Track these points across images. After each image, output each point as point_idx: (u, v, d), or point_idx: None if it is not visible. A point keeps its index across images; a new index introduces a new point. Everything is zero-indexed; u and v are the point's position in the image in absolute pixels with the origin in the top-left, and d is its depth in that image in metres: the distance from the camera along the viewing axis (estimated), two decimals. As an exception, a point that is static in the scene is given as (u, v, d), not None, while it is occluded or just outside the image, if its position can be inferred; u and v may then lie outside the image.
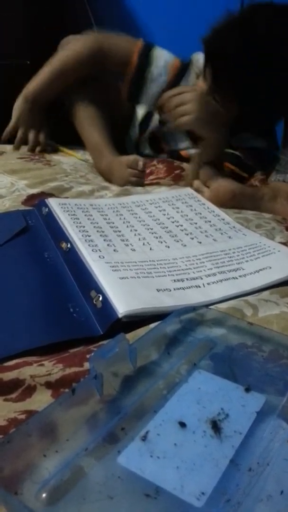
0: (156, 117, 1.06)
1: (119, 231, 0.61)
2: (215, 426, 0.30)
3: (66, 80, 1.03)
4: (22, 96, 1.04)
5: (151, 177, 0.95)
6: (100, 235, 0.59)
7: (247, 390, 0.34)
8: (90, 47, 0.99)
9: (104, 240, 0.58)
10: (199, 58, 0.99)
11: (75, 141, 1.06)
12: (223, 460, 0.28)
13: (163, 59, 0.98)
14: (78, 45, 1.01)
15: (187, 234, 0.63)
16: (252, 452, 0.28)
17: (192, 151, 1.00)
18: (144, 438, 0.29)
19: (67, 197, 0.75)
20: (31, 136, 1.05)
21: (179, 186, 0.88)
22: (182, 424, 0.30)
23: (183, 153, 1.02)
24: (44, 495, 0.25)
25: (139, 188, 0.85)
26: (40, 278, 0.53)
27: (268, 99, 0.82)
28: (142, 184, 0.89)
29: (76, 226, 0.61)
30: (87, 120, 1.00)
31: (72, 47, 1.02)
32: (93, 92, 1.02)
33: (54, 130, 1.12)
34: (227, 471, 0.27)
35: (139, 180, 0.89)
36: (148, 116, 1.10)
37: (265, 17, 0.80)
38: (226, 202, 0.77)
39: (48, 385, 0.36)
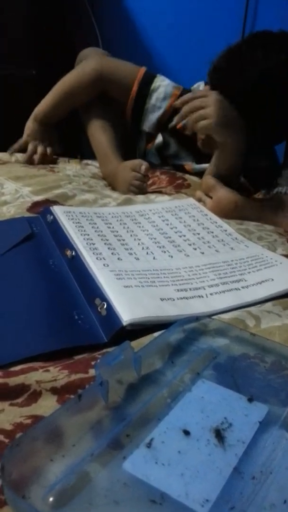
0: (160, 136, 1.08)
1: (123, 240, 0.62)
2: (219, 435, 0.31)
3: (73, 102, 1.08)
4: (32, 116, 1.11)
5: (153, 186, 0.96)
6: (105, 244, 0.60)
7: (250, 400, 0.34)
8: (91, 74, 1.02)
9: (109, 248, 0.59)
10: (200, 87, 1.02)
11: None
12: (226, 468, 0.28)
13: (163, 91, 1.00)
14: (83, 69, 1.04)
15: (190, 245, 0.63)
16: (255, 461, 0.29)
17: (196, 165, 1.01)
18: (149, 445, 0.30)
19: (71, 205, 0.76)
20: (39, 149, 1.08)
21: (180, 194, 0.89)
22: (186, 432, 0.31)
23: (187, 167, 1.04)
24: (51, 499, 0.25)
25: (141, 196, 0.85)
26: (45, 285, 0.54)
27: (277, 125, 0.84)
28: (144, 190, 0.90)
29: (81, 234, 0.61)
30: (98, 129, 1.02)
31: (78, 70, 1.06)
32: (103, 104, 1.05)
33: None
34: (231, 479, 0.27)
35: (141, 184, 0.90)
36: None
37: (263, 46, 0.83)
38: (228, 213, 0.77)
39: (54, 390, 0.36)
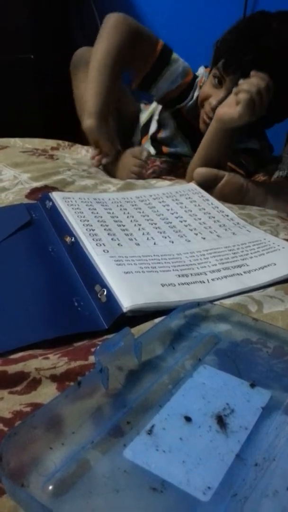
0: (155, 122, 1.06)
1: (123, 226, 0.61)
2: (221, 421, 0.30)
3: (118, 75, 0.94)
4: (88, 119, 0.90)
5: (153, 174, 0.96)
6: (104, 229, 0.59)
7: (252, 385, 0.34)
8: (128, 30, 0.92)
9: (108, 234, 0.58)
10: (200, 71, 1.02)
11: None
12: (229, 455, 0.28)
13: (181, 65, 0.99)
14: (113, 35, 0.91)
15: (191, 230, 0.63)
16: (258, 448, 0.28)
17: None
18: (149, 432, 0.29)
19: (70, 191, 0.75)
20: (105, 147, 0.94)
21: (180, 180, 0.88)
22: (188, 419, 0.31)
23: (184, 160, 1.03)
24: (50, 487, 0.25)
25: (141, 181, 0.84)
26: (44, 272, 0.53)
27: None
28: (143, 176, 0.89)
29: (80, 220, 0.60)
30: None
31: (106, 41, 0.92)
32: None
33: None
34: (233, 466, 0.27)
35: (141, 170, 0.89)
36: (149, 120, 1.11)
37: (273, 19, 0.83)
38: (233, 197, 0.77)
39: (53, 378, 0.36)
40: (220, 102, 0.85)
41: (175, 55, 0.99)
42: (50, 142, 1.11)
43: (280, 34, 0.81)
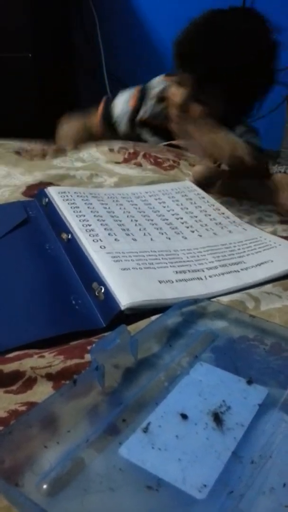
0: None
1: (120, 221, 0.61)
2: (217, 418, 0.30)
3: None
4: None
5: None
6: (101, 224, 0.59)
7: (249, 382, 0.34)
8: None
9: (105, 229, 0.57)
10: (153, 83, 1.07)
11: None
12: (225, 452, 0.28)
13: (123, 100, 1.08)
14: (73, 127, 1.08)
15: (188, 227, 0.62)
16: (255, 445, 0.28)
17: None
18: (145, 430, 0.29)
19: (66, 186, 0.74)
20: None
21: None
22: (184, 416, 0.30)
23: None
24: (45, 486, 0.25)
25: (138, 179, 0.83)
26: (41, 270, 0.53)
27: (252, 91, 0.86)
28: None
29: (76, 216, 0.60)
30: None
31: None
32: None
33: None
34: (229, 463, 0.27)
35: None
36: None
37: (229, 17, 0.87)
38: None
39: (49, 377, 0.35)
40: (183, 99, 0.86)
41: (115, 101, 1.08)
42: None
43: (231, 39, 0.83)
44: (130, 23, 1.75)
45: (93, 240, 0.54)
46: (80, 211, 0.61)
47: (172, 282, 0.48)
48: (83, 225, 0.58)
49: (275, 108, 1.82)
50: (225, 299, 0.46)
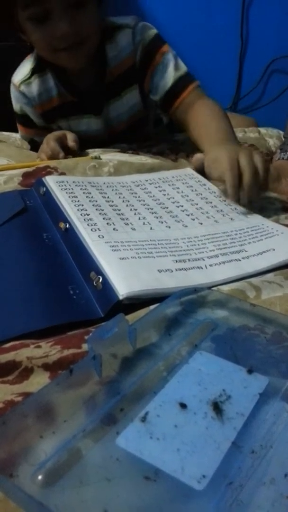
0: None
1: (119, 210, 0.60)
2: (217, 408, 0.30)
3: None
4: None
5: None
6: (99, 213, 0.58)
7: (250, 371, 0.33)
8: None
9: (104, 218, 0.57)
10: None
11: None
12: (225, 442, 0.27)
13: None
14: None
15: (188, 215, 0.61)
16: (255, 435, 0.28)
17: None
18: (143, 419, 0.28)
19: (64, 173, 0.74)
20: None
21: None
22: (183, 405, 0.30)
23: None
24: (40, 477, 0.24)
25: (136, 164, 0.81)
26: (39, 260, 0.52)
27: None
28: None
29: (75, 205, 0.59)
30: None
31: None
32: None
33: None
34: (229, 454, 0.26)
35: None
36: None
37: None
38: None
39: (46, 367, 0.35)
40: None
41: None
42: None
43: None
44: (129, 12, 1.75)
45: (92, 230, 0.53)
46: (78, 200, 0.61)
47: (172, 271, 0.47)
48: (81, 215, 0.57)
49: (276, 96, 1.81)
50: (225, 288, 0.45)
